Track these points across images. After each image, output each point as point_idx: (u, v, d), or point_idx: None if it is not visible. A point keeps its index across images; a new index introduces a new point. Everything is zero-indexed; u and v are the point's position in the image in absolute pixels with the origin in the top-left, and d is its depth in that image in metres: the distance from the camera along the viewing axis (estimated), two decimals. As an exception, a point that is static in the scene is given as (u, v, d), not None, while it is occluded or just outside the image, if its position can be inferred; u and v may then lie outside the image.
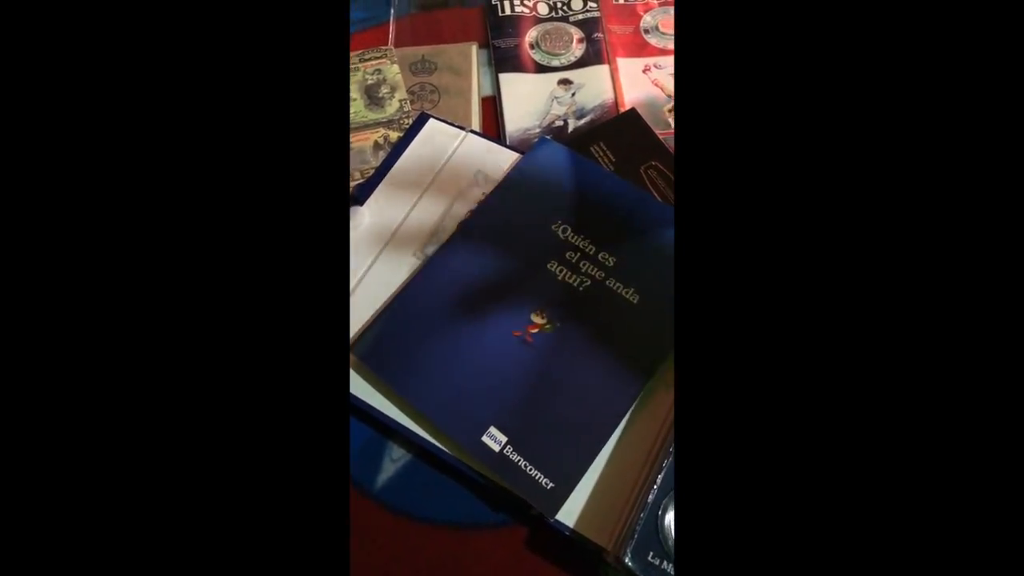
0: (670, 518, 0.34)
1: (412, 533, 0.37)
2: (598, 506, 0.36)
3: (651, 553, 0.33)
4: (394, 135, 0.49)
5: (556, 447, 0.36)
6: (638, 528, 0.33)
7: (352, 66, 0.52)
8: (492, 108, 0.52)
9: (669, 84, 0.54)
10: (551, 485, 0.35)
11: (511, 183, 0.45)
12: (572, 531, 0.36)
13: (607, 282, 0.41)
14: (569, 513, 0.36)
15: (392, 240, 0.44)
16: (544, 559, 0.37)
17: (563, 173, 0.45)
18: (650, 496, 0.34)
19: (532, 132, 0.50)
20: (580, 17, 0.56)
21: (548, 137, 0.48)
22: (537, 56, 0.55)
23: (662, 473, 0.34)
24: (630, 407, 0.37)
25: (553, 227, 0.43)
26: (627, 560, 0.33)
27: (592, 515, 0.36)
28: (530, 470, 0.36)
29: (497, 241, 0.42)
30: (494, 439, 0.37)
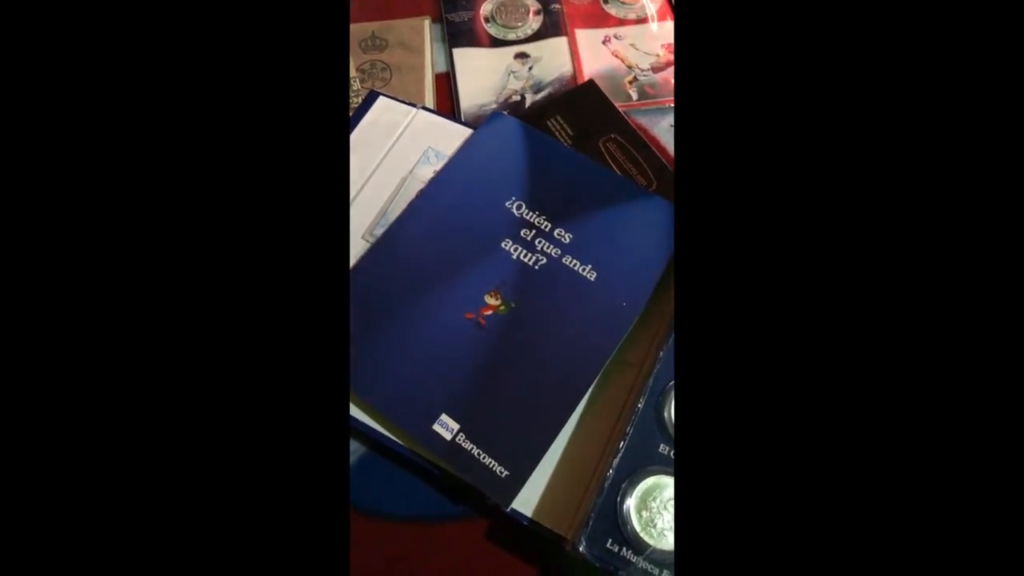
0: (630, 504, 0.32)
1: (371, 529, 0.36)
2: (557, 494, 0.35)
3: (609, 540, 0.32)
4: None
5: (510, 433, 0.34)
6: (593, 515, 0.32)
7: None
8: (446, 85, 0.50)
9: (629, 55, 0.52)
10: (505, 473, 0.34)
11: (462, 160, 0.43)
12: (530, 520, 0.34)
13: (564, 259, 0.39)
14: (527, 502, 0.34)
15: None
16: (508, 551, 0.36)
17: (516, 148, 0.43)
18: (606, 481, 0.32)
19: (488, 108, 0.48)
20: (537, -12, 0.55)
21: (501, 111, 0.46)
22: (492, 30, 0.53)
23: (618, 456, 0.33)
24: (588, 389, 0.36)
25: (507, 204, 0.41)
26: (581, 548, 0.31)
27: (551, 503, 0.35)
28: (483, 458, 0.34)
29: (448, 220, 0.40)
30: (445, 427, 0.35)
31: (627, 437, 0.33)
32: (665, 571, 0.31)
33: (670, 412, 0.34)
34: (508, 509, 0.34)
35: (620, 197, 0.41)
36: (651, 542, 0.31)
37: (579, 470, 0.35)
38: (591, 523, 0.31)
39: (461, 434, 0.35)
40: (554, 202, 0.41)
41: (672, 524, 0.32)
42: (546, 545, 0.34)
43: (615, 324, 0.37)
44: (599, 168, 0.43)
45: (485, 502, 0.35)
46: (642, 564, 0.31)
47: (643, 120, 0.49)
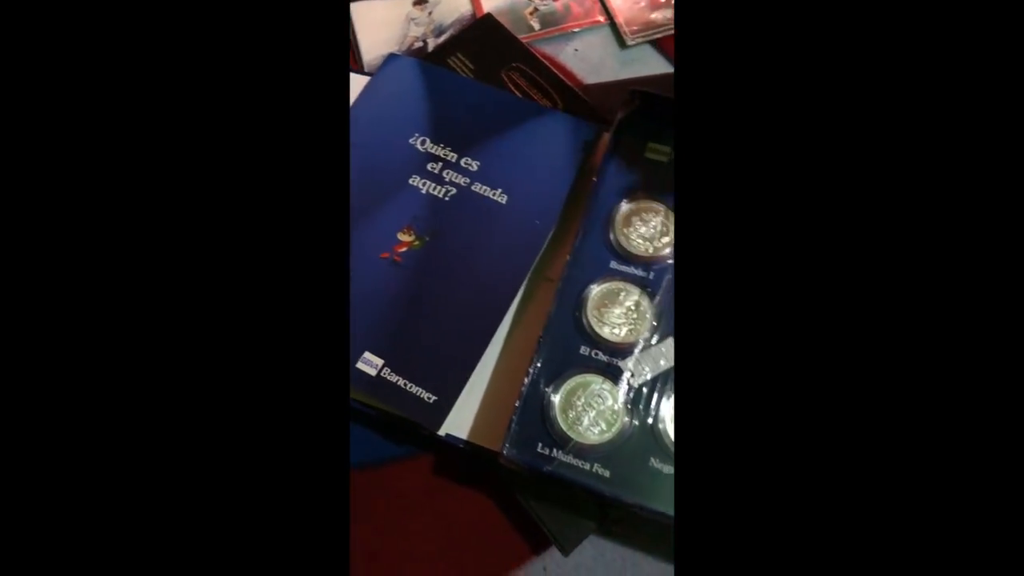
0: (555, 405, 0.32)
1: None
2: (490, 413, 0.35)
3: (540, 444, 0.32)
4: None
5: (435, 360, 0.34)
6: (514, 419, 0.32)
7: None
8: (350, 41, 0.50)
9: (528, -14, 0.52)
10: (433, 398, 0.34)
11: (361, 105, 0.43)
12: (466, 443, 0.34)
13: (473, 187, 0.39)
14: (462, 426, 0.34)
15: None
16: (460, 483, 0.36)
17: (414, 86, 0.43)
18: (525, 388, 0.32)
19: (390, 57, 0.48)
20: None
21: (395, 52, 0.46)
22: (388, -19, 0.53)
23: (540, 361, 0.33)
24: (507, 309, 0.36)
25: (411, 141, 0.40)
26: (506, 453, 0.31)
27: (485, 423, 0.35)
28: (410, 387, 0.34)
29: (354, 165, 0.40)
30: (369, 364, 0.35)
31: (544, 344, 0.34)
32: (591, 463, 0.31)
33: (588, 316, 0.34)
34: (444, 434, 0.34)
35: (523, 119, 0.41)
36: (578, 439, 0.32)
37: (509, 387, 0.35)
38: (512, 428, 0.32)
39: (386, 368, 0.35)
40: (458, 132, 0.41)
41: (596, 420, 0.32)
42: (499, 474, 0.34)
43: (530, 243, 0.37)
44: (500, 93, 0.43)
45: (421, 433, 0.35)
46: (565, 458, 0.31)
47: (548, 48, 0.49)
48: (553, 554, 0.34)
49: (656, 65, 0.48)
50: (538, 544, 0.35)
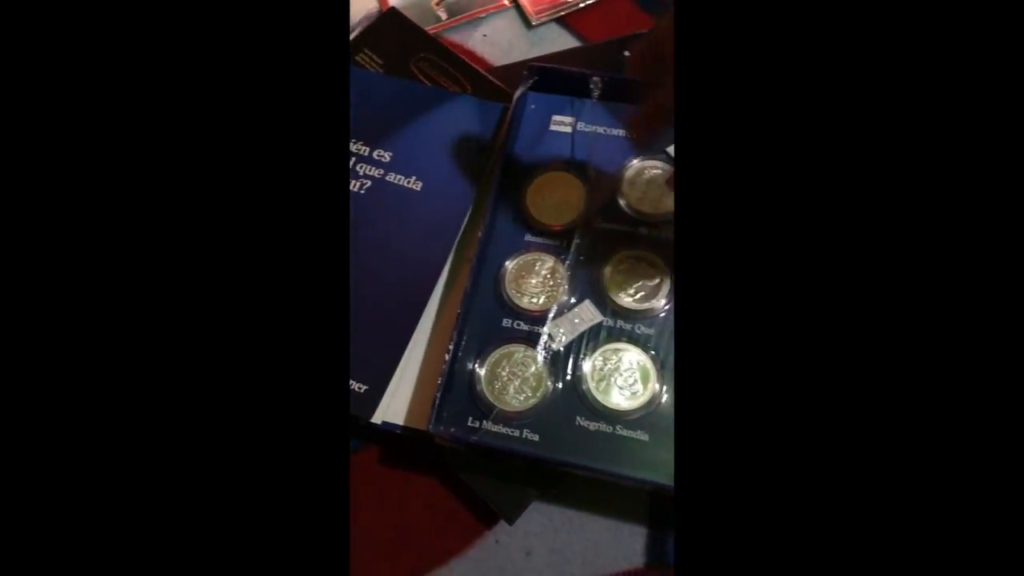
0: (481, 378, 0.33)
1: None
2: (425, 396, 0.35)
3: (469, 418, 0.33)
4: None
5: (363, 352, 0.35)
6: (438, 396, 0.32)
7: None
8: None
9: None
10: (364, 388, 0.34)
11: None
12: (403, 428, 0.35)
13: (388, 177, 0.39)
14: (398, 413, 0.35)
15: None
16: (405, 470, 0.36)
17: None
18: (446, 363, 0.33)
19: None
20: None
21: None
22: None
23: (465, 337, 0.33)
24: (432, 292, 0.36)
25: (322, 141, 0.42)
26: (431, 429, 0.32)
27: (420, 407, 0.35)
28: (341, 380, 0.35)
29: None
30: (299, 362, 0.36)
31: (464, 321, 0.34)
32: (520, 430, 0.32)
33: (507, 290, 0.35)
34: (380, 422, 0.34)
35: (431, 106, 0.41)
36: (504, 407, 0.32)
37: (440, 369, 0.35)
38: (436, 404, 0.32)
39: (316, 364, 0.35)
40: (369, 127, 0.41)
41: (521, 387, 0.33)
42: (438, 451, 0.35)
43: (448, 226, 0.38)
44: (408, 84, 0.43)
45: (358, 424, 0.35)
46: (494, 428, 0.32)
47: (456, 36, 0.50)
48: (503, 526, 0.35)
49: (563, 41, 0.49)
50: (488, 519, 0.35)
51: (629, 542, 0.35)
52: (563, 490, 0.35)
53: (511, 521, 0.34)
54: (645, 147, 0.36)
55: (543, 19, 0.50)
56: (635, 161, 0.37)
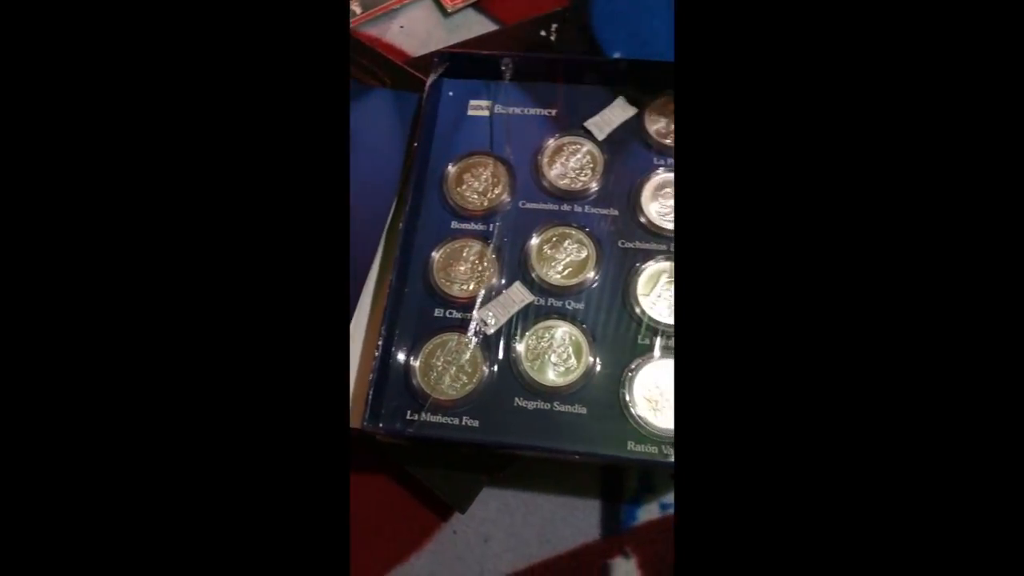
0: (418, 366, 0.33)
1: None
2: (362, 394, 0.34)
3: (409, 411, 0.32)
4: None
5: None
6: (370, 392, 0.32)
7: None
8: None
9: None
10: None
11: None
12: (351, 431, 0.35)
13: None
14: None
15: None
16: (358, 472, 0.35)
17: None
18: (376, 359, 0.32)
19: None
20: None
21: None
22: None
23: (397, 331, 0.33)
24: (362, 289, 0.35)
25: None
26: (364, 427, 0.31)
27: (359, 405, 0.34)
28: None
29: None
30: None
31: (392, 315, 0.33)
32: (459, 417, 0.32)
33: (436, 279, 0.34)
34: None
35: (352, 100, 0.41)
36: (441, 396, 0.32)
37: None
38: (369, 401, 0.32)
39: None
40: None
41: (457, 374, 0.32)
42: (387, 449, 0.35)
43: (374, 223, 0.37)
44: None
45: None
46: (433, 418, 0.32)
47: (373, 29, 0.49)
48: (459, 516, 0.35)
49: (481, 26, 0.48)
50: (442, 510, 0.35)
51: (584, 516, 0.35)
52: (515, 472, 0.35)
53: (463, 510, 0.34)
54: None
55: (459, 6, 0.50)
56: (553, 139, 0.38)
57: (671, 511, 0.35)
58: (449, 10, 0.50)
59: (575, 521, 0.35)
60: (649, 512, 0.35)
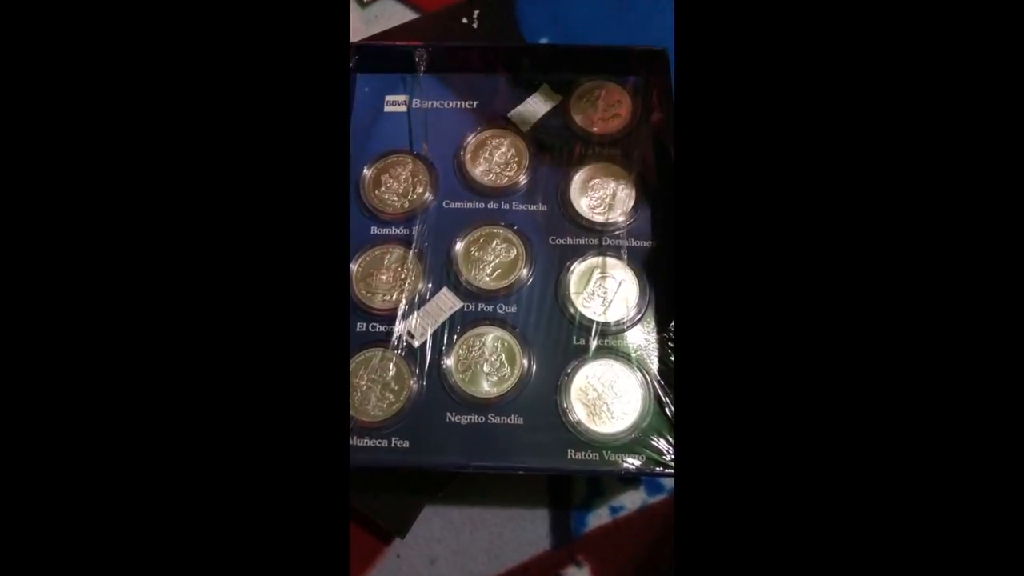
0: None
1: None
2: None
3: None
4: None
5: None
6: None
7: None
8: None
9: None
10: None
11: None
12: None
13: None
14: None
15: None
16: None
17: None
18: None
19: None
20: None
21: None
22: None
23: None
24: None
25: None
26: None
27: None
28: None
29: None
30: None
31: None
32: (387, 439, 0.29)
33: (357, 291, 0.32)
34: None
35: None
36: (366, 418, 0.30)
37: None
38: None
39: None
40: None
41: (383, 393, 0.30)
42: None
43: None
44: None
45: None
46: (360, 442, 0.29)
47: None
48: (401, 539, 0.33)
49: (400, 15, 0.46)
50: (383, 535, 0.33)
51: (533, 528, 0.34)
52: (457, 487, 0.34)
53: (403, 535, 0.32)
54: None
55: (375, -5, 0.47)
56: (475, 134, 0.35)
57: (621, 514, 0.34)
58: (365, 1, 0.47)
59: (524, 533, 0.33)
60: (599, 517, 0.34)
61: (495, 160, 0.35)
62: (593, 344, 0.31)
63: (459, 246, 0.33)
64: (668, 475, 0.29)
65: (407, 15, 0.47)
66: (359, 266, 0.33)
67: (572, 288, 0.32)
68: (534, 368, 0.31)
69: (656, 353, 0.31)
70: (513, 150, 0.35)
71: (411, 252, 0.33)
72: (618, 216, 0.33)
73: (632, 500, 0.34)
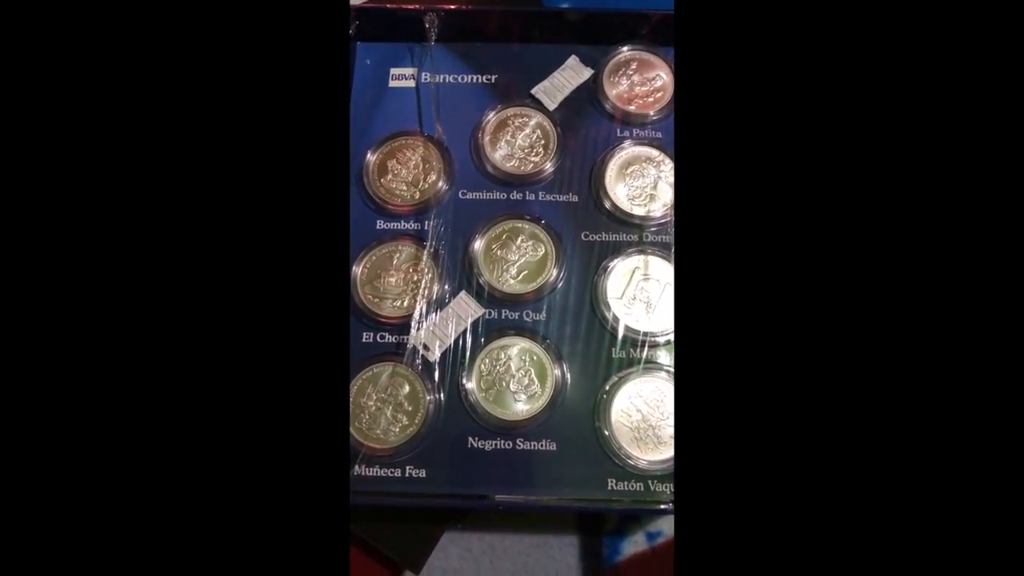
0: None
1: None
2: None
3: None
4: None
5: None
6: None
7: None
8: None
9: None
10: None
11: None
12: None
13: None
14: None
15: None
16: None
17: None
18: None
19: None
20: None
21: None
22: None
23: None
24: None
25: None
26: None
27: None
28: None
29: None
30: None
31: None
32: (401, 468, 0.26)
33: (361, 296, 0.28)
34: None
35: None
36: (377, 443, 0.26)
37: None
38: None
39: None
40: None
41: (395, 415, 0.26)
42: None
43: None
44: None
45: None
46: (369, 472, 0.25)
47: None
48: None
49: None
50: (396, 568, 0.30)
51: (560, 556, 0.31)
52: (477, 513, 0.30)
53: (417, 570, 0.29)
54: None
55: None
56: (495, 113, 0.31)
57: (659, 541, 0.31)
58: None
59: (551, 562, 0.30)
60: (635, 544, 0.30)
61: (518, 143, 0.30)
62: (640, 357, 0.27)
63: (479, 244, 0.29)
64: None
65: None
66: (364, 267, 0.29)
67: (610, 292, 0.28)
68: (568, 385, 0.27)
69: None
70: (539, 131, 0.31)
71: (425, 251, 0.29)
72: (660, 208, 0.29)
73: (670, 525, 0.31)
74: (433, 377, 0.27)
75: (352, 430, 0.27)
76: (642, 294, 0.28)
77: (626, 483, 0.26)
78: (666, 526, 0.31)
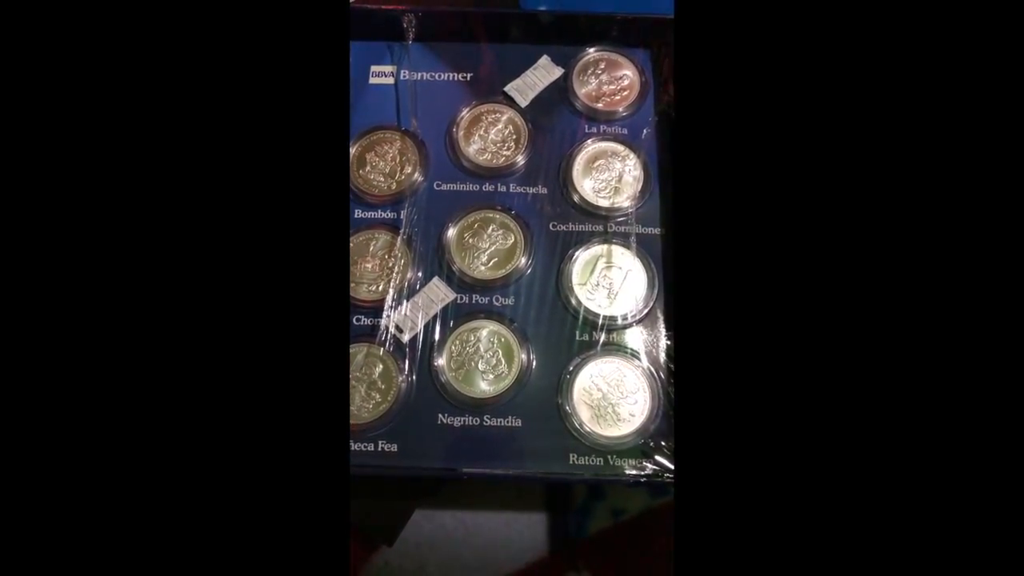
0: None
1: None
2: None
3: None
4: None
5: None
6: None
7: None
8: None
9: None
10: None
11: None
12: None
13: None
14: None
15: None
16: None
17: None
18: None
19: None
20: None
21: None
22: None
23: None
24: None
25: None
26: None
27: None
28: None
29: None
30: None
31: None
32: (373, 443, 0.27)
33: (341, 278, 0.30)
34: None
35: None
36: (352, 420, 0.28)
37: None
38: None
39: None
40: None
41: (369, 393, 0.28)
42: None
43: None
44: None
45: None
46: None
47: None
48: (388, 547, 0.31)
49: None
50: (370, 542, 0.31)
51: (529, 533, 0.32)
52: (450, 491, 0.32)
53: (391, 543, 0.30)
54: None
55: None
56: (469, 109, 0.32)
57: (624, 517, 0.32)
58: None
59: (520, 538, 0.32)
60: (600, 521, 0.32)
61: (491, 138, 0.32)
62: (598, 340, 0.29)
63: (451, 232, 0.30)
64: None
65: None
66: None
67: (575, 279, 0.29)
68: (533, 366, 0.28)
69: (665, 350, 0.29)
70: (511, 127, 0.32)
71: (399, 238, 0.30)
72: (625, 200, 0.31)
73: (635, 503, 0.33)
74: (405, 357, 0.28)
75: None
76: (605, 281, 0.30)
77: (587, 458, 0.27)
78: (631, 504, 0.33)
